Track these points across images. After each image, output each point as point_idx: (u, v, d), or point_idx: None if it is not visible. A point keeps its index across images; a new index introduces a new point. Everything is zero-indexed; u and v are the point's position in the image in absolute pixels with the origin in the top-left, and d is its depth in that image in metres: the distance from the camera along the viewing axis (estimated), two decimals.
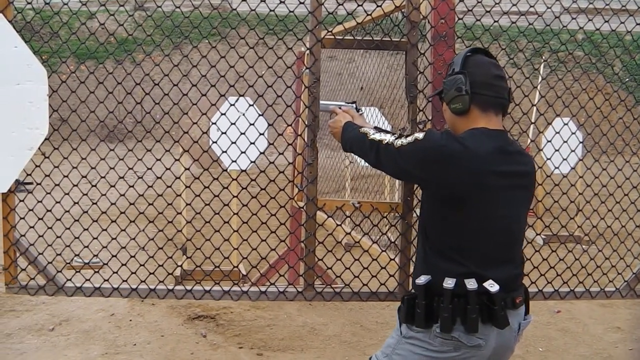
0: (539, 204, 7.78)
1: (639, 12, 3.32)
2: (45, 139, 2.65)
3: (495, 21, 3.02)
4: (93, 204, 2.89)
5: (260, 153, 3.11)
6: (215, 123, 2.94)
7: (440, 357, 2.16)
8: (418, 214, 2.40)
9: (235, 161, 2.83)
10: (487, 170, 2.13)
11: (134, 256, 2.90)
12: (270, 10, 2.89)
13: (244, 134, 2.78)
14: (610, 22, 3.09)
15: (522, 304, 2.26)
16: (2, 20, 2.59)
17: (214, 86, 2.86)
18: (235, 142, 2.77)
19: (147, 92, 2.88)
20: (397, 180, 5.57)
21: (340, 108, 2.71)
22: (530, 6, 2.78)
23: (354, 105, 2.82)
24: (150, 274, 2.85)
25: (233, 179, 4.76)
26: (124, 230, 2.90)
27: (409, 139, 2.20)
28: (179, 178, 3.12)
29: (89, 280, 2.81)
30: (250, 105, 3.04)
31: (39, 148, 2.66)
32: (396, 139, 2.24)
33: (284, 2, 2.55)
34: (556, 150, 3.17)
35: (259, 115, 2.96)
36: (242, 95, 3.04)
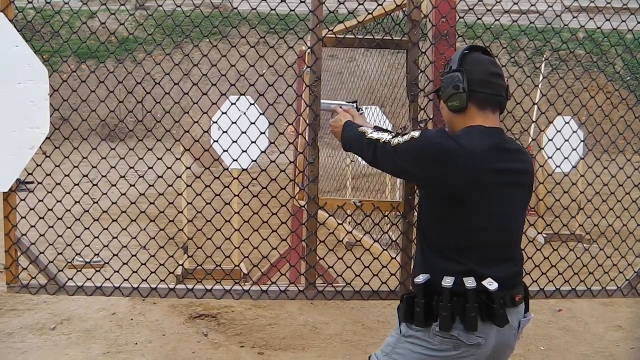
0: (541, 203, 7.80)
1: None
2: (47, 139, 2.65)
3: (496, 20, 3.02)
4: (94, 203, 2.89)
5: (262, 152, 3.11)
6: (216, 122, 2.94)
7: (440, 356, 2.16)
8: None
9: (236, 160, 2.83)
10: (484, 168, 2.12)
11: (135, 255, 2.91)
12: (272, 10, 2.89)
13: (245, 133, 2.78)
14: (611, 20, 3.09)
15: (522, 302, 2.25)
16: (4, 20, 2.59)
17: (215, 85, 2.86)
18: (236, 141, 2.77)
19: (148, 92, 2.88)
20: (398, 179, 5.57)
21: (341, 107, 2.71)
22: (532, 5, 2.78)
23: (355, 104, 2.82)
24: (152, 273, 2.85)
25: (234, 178, 4.76)
26: (125, 229, 2.90)
27: (406, 137, 2.20)
28: (180, 177, 3.12)
29: (90, 279, 2.82)
30: (251, 104, 3.04)
31: (40, 147, 2.66)
32: (393, 137, 2.24)
33: (285, 2, 2.55)
34: (558, 149, 3.17)
35: (260, 114, 2.96)
36: (243, 95, 3.04)
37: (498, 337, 2.15)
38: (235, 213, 3.48)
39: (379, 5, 2.91)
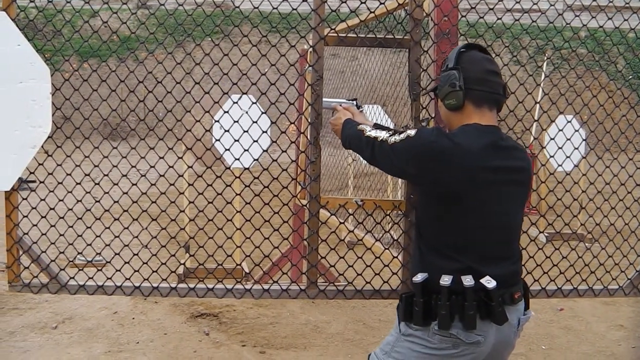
0: (542, 202, 7.78)
1: None
2: (48, 137, 2.65)
3: (498, 18, 3.01)
4: (96, 202, 2.89)
5: (264, 151, 3.11)
6: (218, 121, 2.95)
7: (439, 355, 2.16)
8: None
9: (238, 159, 2.83)
10: (480, 166, 2.12)
11: (136, 254, 2.91)
12: (274, 8, 2.89)
13: (247, 131, 2.78)
14: (613, 19, 3.09)
15: (521, 300, 2.25)
16: (5, 19, 2.60)
17: (217, 84, 2.86)
18: (238, 140, 2.77)
19: (150, 90, 2.88)
20: (400, 178, 5.57)
21: (340, 105, 2.71)
22: (534, 3, 2.77)
23: (355, 102, 2.82)
24: (153, 272, 2.85)
25: (236, 177, 4.76)
26: (127, 228, 2.90)
27: (402, 136, 2.20)
28: (182, 176, 3.12)
29: (92, 278, 2.82)
30: (253, 103, 3.04)
31: (42, 146, 2.66)
32: (390, 135, 2.24)
33: (287, 0, 2.55)
34: (559, 148, 3.17)
35: (262, 113, 2.96)
36: (245, 93, 3.04)
37: (497, 334, 2.15)
38: (237, 212, 3.48)
39: (380, 3, 2.90)
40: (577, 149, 3.22)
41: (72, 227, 2.87)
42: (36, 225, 2.81)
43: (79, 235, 2.84)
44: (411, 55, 2.78)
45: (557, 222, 3.30)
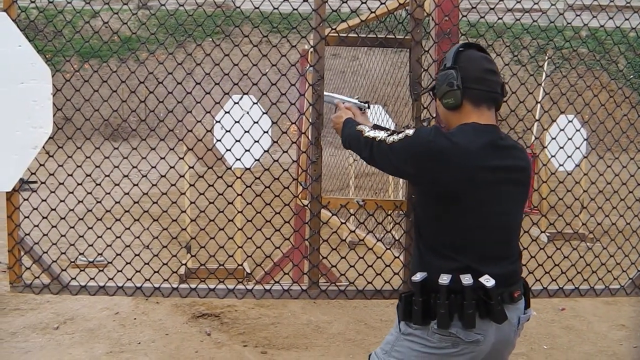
0: (544, 202, 7.78)
1: None
2: (49, 138, 2.66)
3: (499, 18, 3.01)
4: (97, 202, 2.89)
5: (265, 151, 3.11)
6: (219, 121, 2.95)
7: (438, 354, 2.16)
8: None
9: (239, 159, 2.83)
10: (479, 165, 2.11)
11: (138, 254, 2.91)
12: (274, 8, 2.89)
13: (248, 132, 2.78)
14: (614, 19, 3.08)
15: (521, 298, 2.24)
16: (6, 19, 2.60)
17: (217, 84, 2.86)
18: (239, 140, 2.77)
19: (151, 91, 2.88)
20: (401, 178, 5.56)
21: (343, 103, 2.70)
22: (534, 3, 2.77)
23: (367, 104, 2.80)
24: (155, 272, 2.85)
25: (237, 177, 4.76)
26: (128, 228, 2.90)
27: (400, 135, 2.20)
28: (183, 176, 3.12)
29: (93, 278, 2.82)
30: (254, 103, 3.04)
31: (43, 147, 2.66)
32: (389, 135, 2.24)
33: (287, 0, 2.55)
34: (560, 148, 3.17)
35: (263, 113, 2.96)
36: (246, 94, 3.04)
37: (497, 333, 2.15)
38: (238, 212, 3.49)
39: (381, 3, 2.90)
40: (578, 148, 3.22)
41: (73, 227, 2.87)
42: (37, 225, 2.81)
43: (80, 236, 2.84)
44: (412, 55, 2.78)
45: (559, 222, 3.30)
